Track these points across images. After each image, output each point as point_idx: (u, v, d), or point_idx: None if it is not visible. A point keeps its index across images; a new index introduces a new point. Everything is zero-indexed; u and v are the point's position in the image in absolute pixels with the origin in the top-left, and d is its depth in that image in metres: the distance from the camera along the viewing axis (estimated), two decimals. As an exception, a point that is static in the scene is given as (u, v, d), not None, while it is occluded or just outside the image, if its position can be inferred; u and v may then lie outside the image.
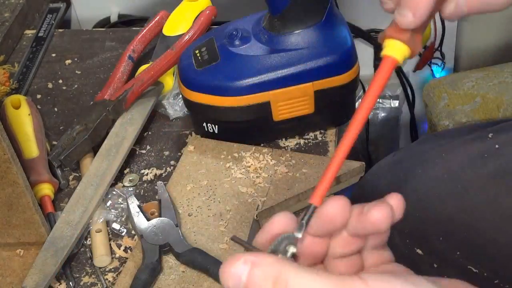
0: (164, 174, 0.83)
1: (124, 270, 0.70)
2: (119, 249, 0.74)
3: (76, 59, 1.03)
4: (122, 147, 0.83)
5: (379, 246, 0.44)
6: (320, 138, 0.84)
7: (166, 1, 1.14)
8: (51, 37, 1.08)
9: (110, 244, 0.75)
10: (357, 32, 1.30)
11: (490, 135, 0.77)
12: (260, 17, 0.82)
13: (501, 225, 0.69)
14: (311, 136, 0.85)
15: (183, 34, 0.93)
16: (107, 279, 0.72)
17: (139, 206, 0.75)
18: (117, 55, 1.02)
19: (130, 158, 0.85)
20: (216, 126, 0.82)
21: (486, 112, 1.00)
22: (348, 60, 0.79)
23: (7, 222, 0.71)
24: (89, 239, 0.75)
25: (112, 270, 0.73)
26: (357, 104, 1.26)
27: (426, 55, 1.29)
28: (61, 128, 0.91)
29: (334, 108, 0.83)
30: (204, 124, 0.83)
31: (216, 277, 0.68)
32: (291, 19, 0.77)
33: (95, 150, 0.84)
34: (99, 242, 0.73)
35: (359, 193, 0.84)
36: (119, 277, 0.70)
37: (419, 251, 0.74)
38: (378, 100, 1.41)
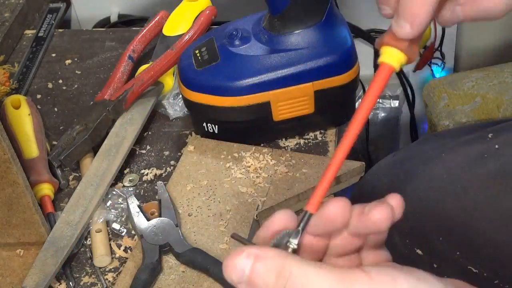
0: (164, 174, 0.83)
1: (124, 270, 0.70)
2: (119, 249, 0.74)
3: (76, 59, 1.03)
4: (122, 147, 0.83)
5: (378, 246, 0.44)
6: (320, 138, 0.84)
7: (166, 1, 1.14)
8: (51, 37, 1.08)
9: (110, 244, 0.75)
10: (357, 32, 1.30)
11: (490, 135, 0.77)
12: (260, 17, 0.82)
13: (501, 225, 0.69)
14: (311, 136, 0.85)
15: (183, 34, 0.93)
16: (107, 279, 0.72)
17: (139, 206, 0.75)
18: (117, 55, 1.02)
19: (130, 158, 0.85)
20: (216, 126, 0.82)
21: (486, 112, 1.00)
22: (348, 60, 0.79)
23: (7, 222, 0.71)
24: (89, 239, 0.75)
25: (112, 270, 0.73)
26: (357, 104, 1.26)
27: (426, 55, 1.29)
28: (61, 128, 0.91)
29: (334, 108, 0.83)
30: (204, 124, 0.83)
31: (216, 277, 0.68)
32: (291, 19, 0.77)
33: (95, 150, 0.84)
34: (99, 242, 0.73)
35: (359, 193, 0.84)
36: (119, 277, 0.70)
37: (419, 251, 0.74)
38: (378, 100, 1.42)
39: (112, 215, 0.76)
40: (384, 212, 0.40)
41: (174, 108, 0.91)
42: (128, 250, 0.74)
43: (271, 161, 0.79)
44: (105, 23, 1.33)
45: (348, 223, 0.42)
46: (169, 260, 0.71)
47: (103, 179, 0.79)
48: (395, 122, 1.40)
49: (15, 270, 0.73)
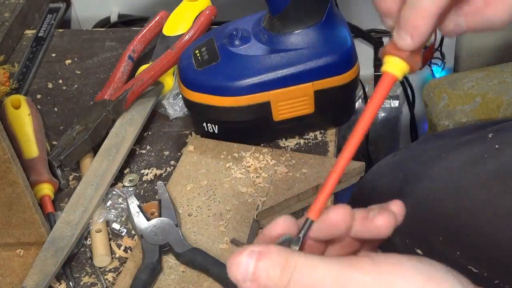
0: (164, 174, 0.83)
1: (124, 270, 0.70)
2: (119, 249, 0.74)
3: (76, 59, 1.03)
4: (122, 147, 0.83)
5: (374, 248, 0.45)
6: (320, 138, 0.84)
7: (166, 1, 1.14)
8: (51, 37, 1.08)
9: (110, 244, 0.75)
10: (357, 32, 1.30)
11: (490, 135, 0.77)
12: (260, 17, 0.82)
13: (501, 225, 0.69)
14: (311, 136, 0.85)
15: (183, 34, 0.93)
16: (107, 279, 0.72)
17: (139, 206, 0.75)
18: (117, 55, 1.02)
19: (130, 158, 0.85)
20: (216, 126, 0.82)
21: (486, 112, 1.00)
22: (348, 60, 0.79)
23: (7, 222, 0.71)
24: (89, 239, 0.75)
25: (112, 270, 0.73)
26: (357, 104, 1.26)
27: (426, 55, 1.29)
28: (61, 128, 0.91)
29: (334, 108, 0.83)
30: (204, 124, 0.83)
31: (216, 277, 0.68)
32: (291, 19, 0.77)
33: (95, 150, 0.84)
34: (99, 242, 0.73)
35: (359, 193, 0.84)
36: (119, 277, 0.70)
37: (419, 251, 0.74)
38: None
39: (112, 215, 0.76)
40: (387, 219, 0.42)
41: (174, 108, 0.91)
42: (128, 250, 0.74)
43: (271, 161, 0.79)
44: (105, 23, 1.33)
45: (350, 229, 0.42)
46: (169, 260, 0.71)
47: (103, 179, 0.79)
48: (395, 122, 1.40)
49: (15, 270, 0.73)
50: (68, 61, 1.03)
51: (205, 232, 0.72)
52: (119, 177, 0.82)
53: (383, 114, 1.39)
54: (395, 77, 0.44)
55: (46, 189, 0.79)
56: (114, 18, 1.33)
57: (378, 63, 1.33)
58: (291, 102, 0.79)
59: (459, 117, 1.00)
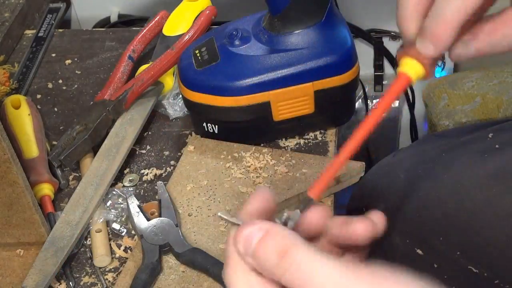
0: (164, 174, 0.83)
1: (124, 270, 0.70)
2: (119, 249, 0.74)
3: (76, 59, 1.03)
4: (122, 147, 0.83)
5: (357, 258, 0.46)
6: (320, 138, 0.84)
7: (166, 1, 1.14)
8: (51, 37, 1.08)
9: (110, 244, 0.75)
10: (357, 32, 1.30)
11: (490, 135, 0.77)
12: (260, 17, 0.82)
13: (501, 225, 0.69)
14: (311, 136, 0.85)
15: (183, 34, 0.93)
16: (107, 279, 0.72)
17: (139, 206, 0.75)
18: (117, 55, 1.02)
19: (130, 158, 0.85)
20: (216, 126, 0.82)
21: (486, 112, 1.00)
22: (348, 60, 0.79)
23: (7, 222, 0.71)
24: (89, 239, 0.75)
25: (112, 270, 0.73)
26: (357, 104, 1.26)
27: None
28: (61, 128, 0.91)
29: (334, 108, 0.83)
30: (204, 124, 0.83)
31: (216, 277, 0.68)
32: (291, 19, 0.77)
33: (95, 150, 0.84)
34: (99, 242, 0.73)
35: (359, 193, 0.84)
36: (119, 277, 0.70)
37: (419, 251, 0.74)
38: (378, 100, 1.42)
39: (112, 215, 0.76)
40: (366, 226, 0.43)
41: (174, 108, 0.91)
42: (128, 250, 0.74)
43: (271, 161, 0.79)
44: (105, 23, 1.33)
45: (323, 231, 0.43)
46: (169, 260, 0.71)
47: (103, 179, 0.79)
48: (395, 122, 1.40)
49: (15, 270, 0.73)
50: (68, 61, 1.03)
51: (205, 232, 0.72)
52: (119, 177, 0.82)
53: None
54: (410, 79, 0.46)
55: (46, 189, 0.79)
56: (114, 18, 1.32)
57: (378, 63, 1.33)
58: (291, 102, 0.79)
59: (459, 117, 1.00)
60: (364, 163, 0.78)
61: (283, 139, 0.85)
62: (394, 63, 1.33)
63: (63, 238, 0.73)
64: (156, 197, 0.78)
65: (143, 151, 0.86)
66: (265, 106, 0.79)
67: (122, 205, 0.77)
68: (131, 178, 0.82)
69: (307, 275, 0.38)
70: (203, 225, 0.73)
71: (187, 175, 0.79)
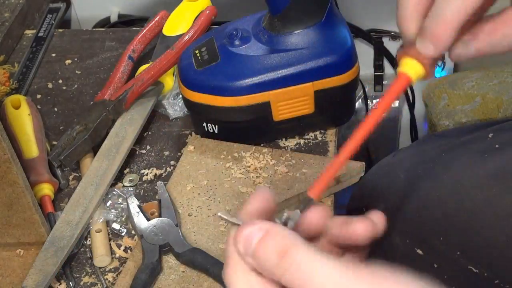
0: (164, 174, 0.83)
1: (124, 270, 0.70)
2: (119, 249, 0.74)
3: (76, 59, 1.03)
4: (122, 147, 0.83)
5: (357, 259, 0.46)
6: (320, 138, 0.84)
7: (166, 1, 1.14)
8: (51, 37, 1.08)
9: (110, 244, 0.75)
10: (357, 32, 1.30)
11: (490, 135, 0.77)
12: (260, 17, 0.82)
13: (501, 225, 0.69)
14: (311, 136, 0.85)
15: (183, 34, 0.93)
16: (107, 279, 0.72)
17: (139, 206, 0.75)
18: (117, 55, 1.02)
19: (130, 158, 0.85)
20: (216, 126, 0.82)
21: (486, 112, 1.00)
22: (348, 60, 0.79)
23: (7, 222, 0.71)
24: (89, 239, 0.75)
25: (112, 270, 0.73)
26: (357, 104, 1.26)
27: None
28: (61, 128, 0.91)
29: (334, 108, 0.83)
30: (204, 124, 0.83)
31: (216, 277, 0.68)
32: (291, 19, 0.77)
33: (95, 150, 0.84)
34: (99, 242, 0.73)
35: (359, 193, 0.84)
36: (119, 277, 0.70)
37: (419, 251, 0.74)
38: (378, 100, 1.42)
39: (112, 215, 0.76)
40: (366, 226, 0.43)
41: (174, 108, 0.91)
42: (128, 250, 0.74)
43: (271, 161, 0.79)
44: (105, 23, 1.33)
45: (323, 231, 0.43)
46: (169, 260, 0.71)
47: (103, 179, 0.79)
48: (395, 122, 1.40)
49: (15, 270, 0.73)
50: (68, 61, 1.03)
51: (205, 232, 0.72)
52: (119, 177, 0.82)
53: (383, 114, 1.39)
54: (410, 79, 0.46)
55: (46, 189, 0.79)
56: (114, 18, 1.32)
57: (378, 63, 1.33)
58: (291, 102, 0.79)
59: (459, 117, 1.00)
60: (364, 163, 0.78)
61: (283, 139, 0.85)
62: (394, 63, 1.33)
63: (63, 238, 0.73)
64: (156, 197, 0.78)
65: (143, 151, 0.86)
66: (265, 106, 0.79)
67: (122, 205, 0.78)
68: (131, 178, 0.82)
69: (307, 275, 0.38)
70: (203, 225, 0.73)
71: (187, 175, 0.79)
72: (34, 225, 0.72)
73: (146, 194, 0.80)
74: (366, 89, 1.33)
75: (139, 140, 0.87)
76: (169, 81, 0.91)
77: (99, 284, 0.71)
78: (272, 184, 0.76)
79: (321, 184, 0.44)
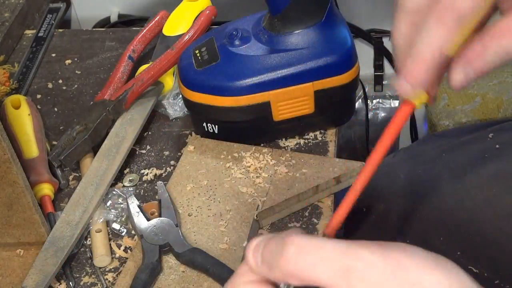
0: (164, 174, 0.83)
1: (124, 270, 0.70)
2: (119, 249, 0.74)
3: (76, 59, 1.03)
4: (122, 147, 0.83)
5: None
6: (320, 138, 0.84)
7: (166, 1, 1.15)
8: (51, 37, 1.08)
9: (110, 244, 0.75)
10: (357, 32, 1.30)
11: (490, 135, 0.77)
12: (260, 17, 0.82)
13: (501, 225, 0.69)
14: (311, 136, 0.85)
15: (183, 34, 0.93)
16: (107, 279, 0.72)
17: (139, 206, 0.75)
18: (117, 55, 1.02)
19: (130, 158, 0.85)
20: (216, 126, 0.82)
21: (486, 112, 1.00)
22: (348, 60, 0.79)
23: (7, 222, 0.71)
24: (89, 239, 0.75)
25: (112, 270, 0.73)
26: (357, 104, 1.26)
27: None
28: (61, 128, 0.91)
29: (334, 108, 0.83)
30: (204, 124, 0.83)
31: (216, 277, 0.68)
32: (291, 19, 0.77)
33: (95, 150, 0.84)
34: (99, 242, 0.73)
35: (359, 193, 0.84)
36: (119, 277, 0.70)
37: (419, 251, 0.74)
38: (378, 100, 1.42)
39: (112, 215, 0.76)
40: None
41: (174, 108, 0.91)
42: (128, 250, 0.74)
43: (271, 161, 0.79)
44: (105, 23, 1.33)
45: None
46: (169, 260, 0.71)
47: (103, 179, 0.79)
48: (395, 122, 1.39)
49: (15, 270, 0.73)
50: (68, 61, 1.03)
51: (205, 232, 0.72)
52: (119, 177, 0.82)
53: (383, 114, 1.39)
54: (414, 106, 0.45)
55: (46, 189, 0.79)
56: (114, 18, 1.33)
57: (378, 63, 1.33)
58: (291, 102, 0.79)
59: (459, 117, 1.01)
60: (364, 163, 0.78)
61: (283, 139, 0.85)
62: (394, 63, 1.33)
63: (63, 238, 0.73)
64: (156, 197, 0.78)
65: (143, 151, 0.86)
66: (265, 106, 0.79)
67: (122, 205, 0.77)
68: (131, 178, 0.82)
69: (315, 255, 0.37)
70: (203, 225, 0.73)
71: (187, 175, 0.79)
72: (34, 225, 0.72)
73: (146, 194, 0.80)
74: (366, 89, 1.33)
75: (139, 140, 0.87)
76: (169, 81, 0.91)
77: (99, 284, 0.71)
78: (272, 184, 0.76)
79: (334, 222, 0.43)
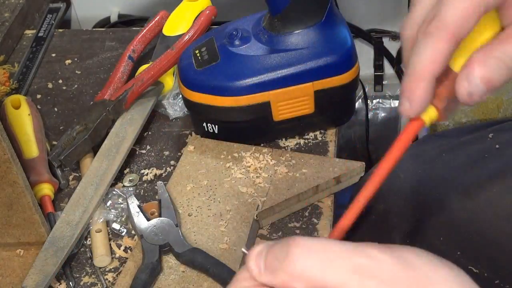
0: (164, 174, 0.83)
1: (124, 270, 0.70)
2: (119, 249, 0.74)
3: (76, 59, 1.03)
4: (122, 147, 0.83)
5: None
6: (320, 138, 0.84)
7: (166, 1, 1.15)
8: (51, 37, 1.08)
9: (110, 244, 0.75)
10: (357, 32, 1.30)
11: (490, 135, 0.77)
12: (260, 17, 0.82)
13: (501, 225, 0.69)
14: (311, 136, 0.85)
15: (183, 34, 0.93)
16: (107, 279, 0.72)
17: (139, 206, 0.75)
18: (117, 55, 1.02)
19: (130, 158, 0.85)
20: (216, 126, 0.82)
21: (486, 112, 1.00)
22: (348, 60, 0.79)
23: (7, 222, 0.71)
24: (89, 239, 0.75)
25: (112, 270, 0.73)
26: (357, 104, 1.26)
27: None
28: (61, 128, 0.91)
29: (334, 108, 0.83)
30: (204, 124, 0.83)
31: (216, 277, 0.68)
32: (291, 19, 0.77)
33: (95, 150, 0.84)
34: (99, 242, 0.73)
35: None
36: (119, 277, 0.70)
37: (419, 251, 0.74)
38: (378, 100, 1.42)
39: (112, 215, 0.76)
40: None
41: (174, 108, 0.91)
42: (128, 250, 0.74)
43: (271, 161, 0.79)
44: (105, 23, 1.33)
45: None
46: (169, 260, 0.71)
47: (103, 179, 0.79)
48: (395, 122, 1.40)
49: (15, 270, 0.73)
50: (68, 61, 1.03)
51: (205, 232, 0.72)
52: (119, 177, 0.82)
53: (383, 114, 1.39)
54: (423, 123, 0.44)
55: (46, 189, 0.79)
56: (114, 18, 1.33)
57: (378, 63, 1.33)
58: (291, 102, 0.79)
59: (459, 117, 1.01)
60: (364, 163, 0.78)
61: (283, 139, 0.85)
62: (394, 63, 1.33)
63: (63, 238, 0.73)
64: (156, 197, 0.78)
65: (143, 151, 0.86)
66: (265, 106, 0.79)
67: (122, 205, 0.77)
68: (131, 178, 0.82)
69: (324, 254, 0.37)
70: (203, 225, 0.73)
71: (187, 175, 0.79)
72: (34, 225, 0.72)
73: (146, 194, 0.80)
74: (366, 89, 1.33)
75: (139, 140, 0.87)
76: (169, 81, 0.91)
77: (99, 284, 0.71)
78: (272, 184, 0.76)
79: (336, 234, 0.43)
